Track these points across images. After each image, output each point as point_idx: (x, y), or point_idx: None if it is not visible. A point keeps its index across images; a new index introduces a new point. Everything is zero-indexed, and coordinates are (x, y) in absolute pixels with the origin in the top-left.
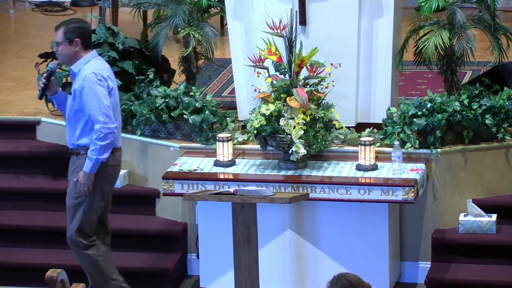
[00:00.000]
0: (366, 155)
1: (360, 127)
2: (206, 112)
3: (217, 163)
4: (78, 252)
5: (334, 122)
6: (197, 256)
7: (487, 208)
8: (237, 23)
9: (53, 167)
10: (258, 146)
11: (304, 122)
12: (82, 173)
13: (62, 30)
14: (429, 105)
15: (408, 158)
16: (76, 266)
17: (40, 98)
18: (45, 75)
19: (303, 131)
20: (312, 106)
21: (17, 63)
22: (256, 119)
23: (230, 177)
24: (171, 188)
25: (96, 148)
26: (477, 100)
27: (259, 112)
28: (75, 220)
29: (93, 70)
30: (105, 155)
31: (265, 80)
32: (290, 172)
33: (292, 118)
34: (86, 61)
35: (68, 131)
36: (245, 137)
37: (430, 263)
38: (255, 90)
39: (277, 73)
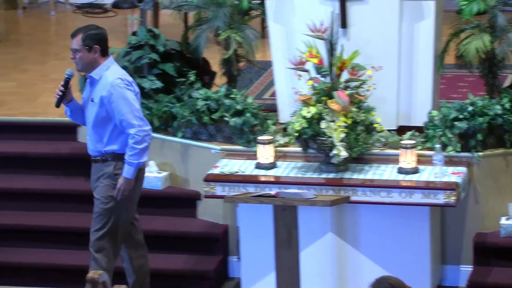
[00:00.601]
0: (408, 158)
1: (401, 130)
2: (247, 114)
3: (258, 166)
4: (96, 258)
5: (375, 125)
6: (238, 258)
7: None
8: (278, 26)
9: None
10: (299, 149)
11: (346, 125)
12: (122, 179)
13: (81, 37)
14: (470, 108)
15: (449, 162)
16: (116, 268)
17: (58, 106)
18: (62, 82)
19: (344, 134)
20: (353, 109)
21: (57, 65)
22: (297, 122)
23: (271, 179)
24: (212, 191)
25: (136, 152)
26: None
27: (300, 114)
28: (108, 225)
29: (118, 75)
30: (145, 158)
31: (306, 82)
32: (331, 175)
33: (333, 121)
34: (106, 67)
35: (93, 138)
36: (286, 139)
37: (471, 266)
38: (296, 92)
39: (318, 76)
